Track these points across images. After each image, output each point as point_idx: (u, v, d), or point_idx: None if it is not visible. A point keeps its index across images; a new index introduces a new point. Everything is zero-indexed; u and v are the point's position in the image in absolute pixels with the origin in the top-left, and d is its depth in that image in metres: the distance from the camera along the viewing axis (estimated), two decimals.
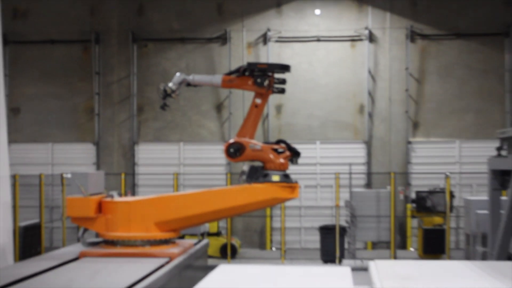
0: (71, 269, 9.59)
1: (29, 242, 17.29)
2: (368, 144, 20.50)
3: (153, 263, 9.99)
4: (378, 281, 6.85)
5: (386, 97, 20.51)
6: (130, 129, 20.84)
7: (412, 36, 20.51)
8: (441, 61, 20.56)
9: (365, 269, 8.17)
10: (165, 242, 11.31)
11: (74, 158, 20.86)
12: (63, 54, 21.07)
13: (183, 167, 20.61)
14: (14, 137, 20.30)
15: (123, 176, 18.84)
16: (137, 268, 9.54)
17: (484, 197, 14.31)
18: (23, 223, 17.46)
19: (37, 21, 21.04)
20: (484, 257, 14.15)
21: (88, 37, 20.87)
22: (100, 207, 11.28)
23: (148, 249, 10.93)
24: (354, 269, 9.70)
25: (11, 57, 20.76)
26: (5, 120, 13.14)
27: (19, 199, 17.60)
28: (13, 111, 20.93)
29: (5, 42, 18.95)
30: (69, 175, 12.22)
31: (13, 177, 16.79)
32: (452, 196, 17.69)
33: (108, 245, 11.12)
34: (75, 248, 11.38)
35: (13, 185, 16.72)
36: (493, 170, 11.92)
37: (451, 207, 17.48)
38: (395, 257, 17.02)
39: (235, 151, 11.73)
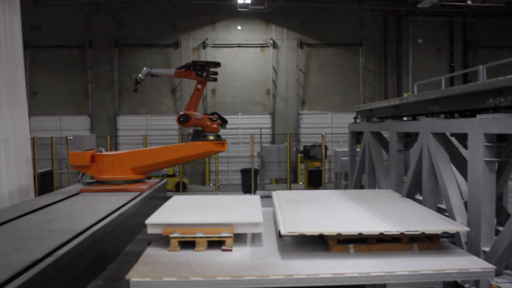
0: (74, 200, 9.46)
1: (44, 183, 16.87)
2: (272, 115, 20.60)
3: (129, 196, 9.95)
4: (277, 204, 6.95)
5: (284, 84, 20.59)
6: (113, 105, 20.37)
7: (301, 44, 20.56)
8: (319, 61, 20.72)
9: (270, 196, 8.26)
10: (138, 181, 11.26)
11: (75, 126, 20.28)
12: (67, 55, 20.29)
13: (150, 131, 20.32)
14: (33, 112, 19.82)
15: (108, 138, 18.52)
16: (119, 199, 9.48)
17: (346, 149, 14.61)
18: (40, 170, 17.05)
19: (48, 32, 20.18)
20: (346, 187, 14.50)
21: (84, 43, 20.15)
22: (93, 159, 11.09)
23: (126, 186, 10.84)
24: (263, 197, 9.83)
25: (30, 57, 19.95)
26: (26, 100, 12.73)
27: (37, 154, 17.16)
28: (32, 94, 20.16)
29: (26, 47, 18.30)
30: (71, 137, 11.96)
31: (33, 139, 16.34)
32: (326, 148, 18.00)
33: (99, 184, 10.99)
34: (76, 187, 11.18)
35: (33, 145, 16.29)
36: (351, 132, 12.13)
37: (326, 156, 17.79)
38: (290, 189, 17.27)
39: (183, 120, 11.67)
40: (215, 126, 11.74)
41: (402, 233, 5.23)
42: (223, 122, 11.98)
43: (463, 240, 6.23)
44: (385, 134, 10.27)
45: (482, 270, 4.76)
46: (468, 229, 5.55)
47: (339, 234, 5.23)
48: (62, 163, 19.67)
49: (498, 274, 5.66)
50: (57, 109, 20.41)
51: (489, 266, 4.81)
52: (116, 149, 19.19)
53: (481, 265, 4.87)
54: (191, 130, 11.97)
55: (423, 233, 5.27)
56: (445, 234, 5.67)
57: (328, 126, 20.68)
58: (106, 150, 13.39)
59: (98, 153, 11.27)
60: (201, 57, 20.30)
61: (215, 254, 5.28)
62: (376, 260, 5.03)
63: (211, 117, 11.85)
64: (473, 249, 5.94)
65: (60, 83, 20.36)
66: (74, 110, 20.39)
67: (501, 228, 5.98)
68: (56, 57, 20.31)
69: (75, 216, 7.64)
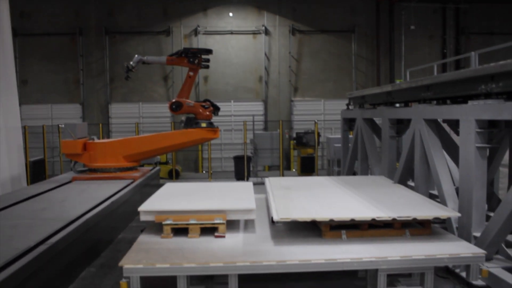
0: (66, 188, 9.44)
1: (36, 172, 16.77)
2: (265, 102, 20.55)
3: (122, 183, 9.94)
4: (270, 190, 6.97)
5: (276, 71, 20.52)
6: (105, 93, 20.22)
7: (293, 31, 20.46)
8: (312, 48, 20.64)
9: (263, 183, 8.27)
10: (130, 169, 11.25)
11: (67, 114, 20.13)
12: (57, 42, 20.07)
13: (142, 119, 20.22)
14: (24, 100, 19.57)
15: (100, 126, 18.42)
16: (111, 186, 9.47)
17: (339, 135, 14.63)
18: (32, 159, 16.93)
19: (38, 20, 19.93)
20: (339, 173, 14.55)
21: (74, 30, 19.92)
22: (85, 147, 11.05)
23: (118, 174, 10.83)
24: (256, 184, 9.86)
25: (20, 45, 19.73)
26: (16, 88, 12.61)
27: (29, 143, 17.03)
28: (22, 82, 19.93)
29: (15, 35, 18.10)
30: (63, 126, 11.90)
31: (24, 128, 16.22)
32: (319, 135, 18.01)
33: (91, 172, 10.96)
34: (68, 175, 11.15)
35: (24, 134, 16.17)
36: (344, 118, 12.15)
37: (318, 142, 17.80)
38: (282, 175, 17.29)
39: (176, 107, 11.63)
40: (207, 113, 11.72)
41: (394, 219, 5.26)
42: (216, 109, 11.97)
43: (454, 225, 6.29)
44: (378, 120, 10.30)
45: (472, 255, 4.81)
46: (459, 214, 5.59)
47: (331, 220, 5.25)
48: (54, 152, 19.58)
49: (488, 259, 5.73)
50: (48, 97, 20.25)
51: (479, 251, 4.86)
52: (108, 137, 19.13)
53: (471, 250, 4.92)
54: (183, 118, 11.94)
55: (414, 219, 5.30)
56: (437, 220, 5.71)
57: (321, 113, 20.68)
58: (98, 138, 13.36)
59: (90, 141, 11.24)
60: (193, 44, 20.19)
61: (208, 241, 5.29)
62: (368, 245, 5.07)
63: (204, 104, 11.83)
64: (464, 234, 6.00)
65: (51, 71, 20.19)
66: (66, 98, 20.25)
67: (491, 214, 6.04)
68: (47, 45, 20.10)
69: (68, 204, 7.63)
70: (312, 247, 5.05)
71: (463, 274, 5.86)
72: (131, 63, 11.66)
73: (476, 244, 5.63)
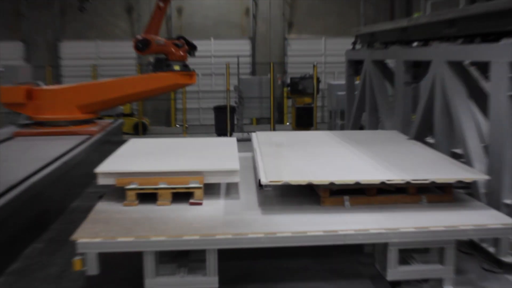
0: (6, 146, 9.37)
1: None
2: (253, 40, 20.38)
3: (76, 139, 9.90)
4: (257, 147, 6.97)
5: (267, 2, 20.26)
6: (53, 28, 19.90)
7: None
8: None
9: (249, 140, 8.27)
10: (86, 122, 11.21)
11: (5, 54, 19.77)
12: None
13: (100, 60, 20.00)
14: None
15: (49, 69, 18.20)
16: (63, 143, 9.44)
17: (343, 81, 14.58)
18: None
19: None
20: (342, 128, 14.59)
21: None
22: (29, 94, 10.93)
23: (71, 128, 10.79)
24: (241, 140, 9.86)
25: None
26: None
27: None
28: None
29: None
30: (2, 69, 11.73)
31: None
32: (318, 81, 17.93)
33: (38, 126, 10.89)
34: (9, 130, 11.03)
35: None
36: (349, 60, 12.11)
37: (318, 90, 17.74)
38: (273, 130, 17.30)
39: (142, 46, 11.54)
40: (181, 53, 11.67)
41: (408, 182, 5.27)
42: (192, 48, 11.92)
43: (482, 191, 6.33)
44: (390, 63, 10.25)
45: (503, 227, 4.85)
46: (488, 177, 5.62)
47: (332, 184, 5.25)
48: None
49: None
50: None
51: (511, 222, 4.90)
52: (58, 83, 18.92)
53: (502, 220, 4.96)
54: (151, 59, 11.88)
55: (433, 182, 5.32)
56: (460, 184, 5.73)
57: (321, 54, 20.57)
58: (46, 84, 13.20)
59: (36, 87, 11.12)
60: None
61: (182, 209, 5.30)
62: (377, 214, 5.10)
63: (177, 42, 11.77)
64: (493, 201, 6.04)
65: None
66: (3, 34, 19.83)
67: None
68: None
69: (9, 166, 7.56)
70: (308, 216, 5.07)
71: (491, 249, 5.93)
72: None
73: (508, 214, 5.67)
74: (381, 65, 10.47)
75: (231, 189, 6.02)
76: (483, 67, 6.95)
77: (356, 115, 11.70)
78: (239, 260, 5.79)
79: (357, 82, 12.24)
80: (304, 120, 17.54)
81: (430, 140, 8.71)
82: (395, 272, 4.91)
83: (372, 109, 10.70)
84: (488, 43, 6.37)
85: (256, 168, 6.08)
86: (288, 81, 18.36)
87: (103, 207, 5.42)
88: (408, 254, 5.09)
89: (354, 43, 12.09)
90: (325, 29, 20.56)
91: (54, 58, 19.99)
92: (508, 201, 5.94)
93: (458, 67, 7.31)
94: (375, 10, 20.63)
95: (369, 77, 10.64)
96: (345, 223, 4.87)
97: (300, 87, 17.75)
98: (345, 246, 4.80)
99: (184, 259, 4.97)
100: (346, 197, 5.36)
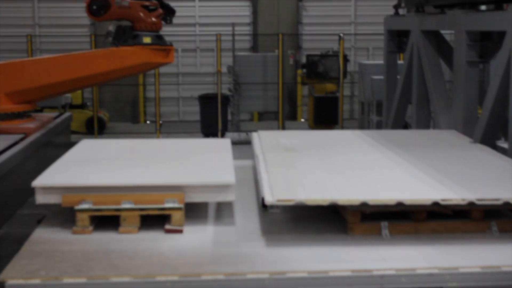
0: None
1: None
2: (254, 2, 20.42)
3: (4, 140, 9.85)
4: (260, 153, 6.96)
5: None
6: None
7: None
8: None
9: (248, 142, 8.28)
10: (19, 116, 11.16)
11: None
12: None
13: (39, 28, 20.04)
14: None
15: None
16: None
17: (380, 61, 14.59)
18: None
19: None
20: (379, 126, 14.59)
21: None
22: None
23: None
24: (238, 143, 9.88)
25: None
26: None
27: None
28: None
29: None
30: None
31: None
32: (346, 60, 17.95)
33: None
34: None
35: None
36: (389, 31, 12.06)
37: (345, 73, 17.78)
38: (282, 129, 17.33)
39: (98, 8, 11.53)
40: (153, 19, 11.66)
41: (471, 203, 5.29)
42: (168, 12, 11.91)
43: None
44: (448, 36, 10.26)
45: None
46: None
47: (364, 204, 5.27)
48: None
49: None
50: None
51: None
52: None
53: None
54: (111, 27, 11.87)
55: (507, 204, 5.34)
56: None
57: (349, 22, 20.63)
58: None
59: None
60: None
61: (154, 239, 5.31)
62: (427, 248, 5.10)
63: (147, 3, 11.76)
64: None
65: None
66: None
67: None
68: None
69: None
70: (331, 249, 5.08)
71: None
72: None
73: None
74: (435, 38, 10.48)
75: (223, 211, 6.03)
76: None
77: (398, 108, 11.69)
78: None
79: (400, 61, 12.24)
80: (326, 115, 17.58)
81: (503, 144, 8.73)
82: None
83: (421, 100, 10.70)
84: None
85: (259, 182, 6.08)
86: (304, 60, 18.42)
87: (42, 235, 5.41)
88: None
89: (396, 7, 12.07)
90: None
91: None
92: None
93: None
94: None
95: (417, 54, 10.64)
96: (383, 260, 4.88)
97: (320, 69, 17.82)
98: None
99: None
100: (384, 223, 5.37)
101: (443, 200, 5.28)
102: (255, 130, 8.35)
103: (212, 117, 16.95)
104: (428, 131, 9.20)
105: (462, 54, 9.09)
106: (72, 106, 17.55)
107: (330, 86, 17.71)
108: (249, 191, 6.65)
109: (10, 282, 4.51)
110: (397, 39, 11.96)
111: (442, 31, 10.35)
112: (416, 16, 10.86)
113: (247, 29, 20.27)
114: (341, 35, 17.69)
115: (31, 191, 5.61)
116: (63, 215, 5.74)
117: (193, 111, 19.25)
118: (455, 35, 9.27)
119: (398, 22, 11.74)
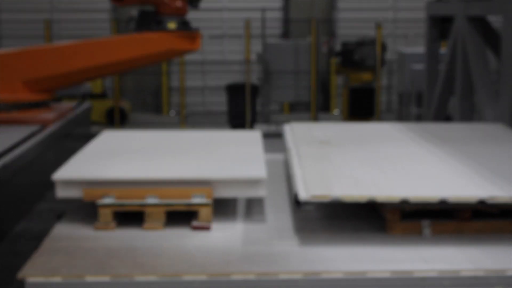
0: None
1: None
2: None
3: (21, 132, 9.91)
4: (292, 146, 6.97)
5: None
6: None
7: None
8: None
9: (280, 135, 8.28)
10: (37, 105, 11.23)
11: None
12: None
13: (57, 14, 20.16)
14: None
15: None
16: (1, 138, 9.47)
17: (421, 49, 14.54)
18: None
19: None
20: (419, 119, 14.56)
21: None
22: None
23: (15, 115, 10.85)
24: (267, 135, 9.85)
25: None
26: None
27: None
28: None
29: None
30: None
31: None
32: (384, 48, 17.91)
33: None
34: None
35: None
36: (431, 17, 12.02)
37: (383, 62, 17.75)
38: (315, 120, 17.33)
39: None
40: (178, 4, 11.67)
41: None
42: None
43: None
44: (496, 22, 10.20)
45: None
46: None
47: (404, 202, 5.27)
48: None
49: None
50: None
51: None
52: None
53: None
54: (134, 12, 11.90)
55: None
56: None
57: (388, 8, 20.56)
58: None
59: None
60: None
61: (180, 236, 5.34)
62: (472, 249, 5.09)
63: None
64: None
65: None
66: None
67: None
68: None
69: None
70: (369, 249, 5.08)
71: None
72: None
73: None
74: (481, 25, 10.43)
75: (253, 208, 6.05)
76: None
77: (440, 99, 11.66)
78: None
79: (443, 50, 12.20)
80: (362, 107, 17.56)
81: None
82: None
83: (466, 92, 10.67)
84: None
85: (291, 177, 6.09)
86: (338, 47, 18.40)
87: (63, 231, 5.45)
88: None
89: None
90: None
91: None
92: None
93: None
94: None
95: (462, 42, 10.60)
96: (424, 261, 4.87)
97: (356, 57, 17.78)
98: None
99: None
100: (425, 222, 5.37)
101: (490, 198, 5.26)
102: (286, 122, 8.34)
103: (240, 108, 16.96)
104: (472, 124, 9.16)
105: (511, 42, 9.05)
106: (92, 96, 17.68)
107: (366, 76, 17.67)
108: (280, 187, 6.67)
109: (30, 279, 4.54)
110: (440, 26, 11.91)
111: (489, 17, 10.29)
112: (461, 1, 10.81)
113: (278, 15, 20.27)
114: (379, 21, 17.64)
115: (50, 185, 5.65)
116: (85, 211, 5.78)
117: (220, 102, 19.27)
118: (504, 21, 9.22)
119: (441, 8, 11.70)
